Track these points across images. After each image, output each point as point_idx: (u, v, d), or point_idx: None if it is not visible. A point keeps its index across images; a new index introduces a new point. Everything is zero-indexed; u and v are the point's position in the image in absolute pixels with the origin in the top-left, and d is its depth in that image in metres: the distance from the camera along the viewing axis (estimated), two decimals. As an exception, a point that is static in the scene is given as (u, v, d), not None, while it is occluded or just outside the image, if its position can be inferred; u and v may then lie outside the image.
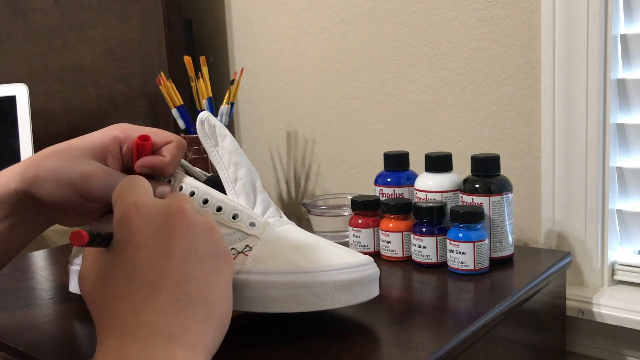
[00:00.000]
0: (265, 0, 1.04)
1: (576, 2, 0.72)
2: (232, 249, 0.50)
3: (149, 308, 0.37)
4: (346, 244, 0.77)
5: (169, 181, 0.53)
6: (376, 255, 0.73)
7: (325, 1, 0.96)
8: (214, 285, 0.40)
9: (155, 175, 0.53)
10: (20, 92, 0.94)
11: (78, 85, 1.18)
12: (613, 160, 0.75)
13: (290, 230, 0.52)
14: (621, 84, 0.74)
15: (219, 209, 0.51)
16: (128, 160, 0.53)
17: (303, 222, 0.95)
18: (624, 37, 0.73)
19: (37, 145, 0.96)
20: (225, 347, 0.48)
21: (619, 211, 0.76)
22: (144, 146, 0.52)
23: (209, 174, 0.56)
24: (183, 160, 0.56)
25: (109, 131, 0.52)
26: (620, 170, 0.76)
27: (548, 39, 0.75)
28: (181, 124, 0.94)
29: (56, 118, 1.22)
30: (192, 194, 0.52)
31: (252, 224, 0.51)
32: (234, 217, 0.51)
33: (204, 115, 0.54)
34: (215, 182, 0.54)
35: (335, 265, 0.49)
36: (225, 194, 0.53)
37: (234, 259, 0.49)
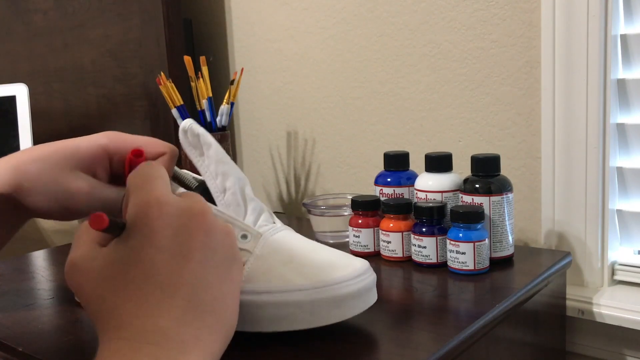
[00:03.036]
0: (265, 0, 1.04)
1: (576, 2, 0.72)
2: None
3: (164, 312, 0.36)
4: (346, 244, 0.77)
5: None
6: (376, 255, 0.73)
7: (325, 1, 0.96)
8: (227, 293, 0.40)
9: None
10: (20, 92, 0.94)
11: (78, 85, 1.18)
12: (613, 160, 0.75)
13: (283, 238, 0.51)
14: (621, 84, 0.74)
15: None
16: (118, 169, 0.51)
17: (303, 222, 0.95)
18: (624, 37, 0.73)
19: (37, 145, 0.96)
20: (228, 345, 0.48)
21: (619, 211, 0.76)
22: (138, 162, 0.49)
23: (200, 178, 0.55)
24: (176, 169, 0.54)
25: (97, 140, 0.50)
26: (620, 170, 0.76)
27: (548, 39, 0.75)
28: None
29: (56, 118, 1.22)
30: None
31: (244, 237, 0.50)
32: None
33: (187, 123, 0.52)
34: (205, 189, 0.52)
35: (330, 281, 0.48)
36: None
37: None
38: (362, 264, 0.51)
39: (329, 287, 0.48)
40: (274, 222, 0.53)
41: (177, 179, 0.54)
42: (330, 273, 0.48)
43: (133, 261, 0.37)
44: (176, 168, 0.55)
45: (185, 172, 0.55)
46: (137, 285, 0.37)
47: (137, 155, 0.49)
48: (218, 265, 0.40)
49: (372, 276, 0.51)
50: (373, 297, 0.51)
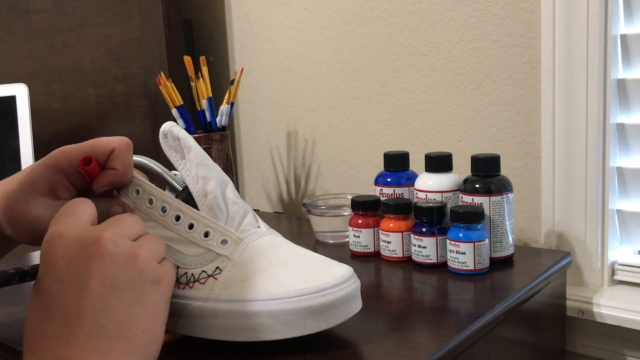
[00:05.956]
0: (265, 0, 1.04)
1: (576, 2, 0.72)
2: (203, 271, 0.49)
3: (64, 342, 0.37)
4: (346, 244, 0.77)
5: (137, 191, 0.51)
6: (376, 255, 0.73)
7: (325, 1, 0.96)
8: (135, 316, 0.40)
9: (120, 188, 0.51)
10: (20, 92, 0.94)
11: (78, 85, 1.18)
12: (613, 160, 0.75)
13: (263, 245, 0.50)
14: (621, 84, 0.74)
15: (191, 227, 0.49)
16: (82, 181, 0.51)
17: (303, 222, 0.95)
18: (624, 37, 0.73)
19: (37, 145, 0.96)
20: (225, 346, 0.48)
21: (619, 211, 0.76)
22: (91, 169, 0.49)
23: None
24: (162, 170, 0.54)
25: (44, 161, 0.50)
26: (620, 170, 0.76)
27: (548, 39, 0.75)
28: (181, 123, 0.94)
29: (56, 118, 1.22)
30: (151, 201, 0.50)
31: (224, 242, 0.49)
32: (206, 234, 0.49)
33: (167, 126, 0.51)
34: (190, 193, 0.51)
35: (304, 290, 0.46)
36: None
37: (204, 283, 0.48)
38: (344, 272, 0.49)
39: (303, 297, 0.46)
40: (259, 227, 0.52)
41: (164, 182, 0.53)
42: (306, 282, 0.47)
43: (38, 297, 0.40)
44: (166, 170, 0.54)
45: (175, 175, 0.54)
46: (40, 319, 0.39)
47: (87, 163, 0.48)
48: (122, 289, 0.40)
49: (353, 285, 0.49)
50: (354, 307, 0.49)
